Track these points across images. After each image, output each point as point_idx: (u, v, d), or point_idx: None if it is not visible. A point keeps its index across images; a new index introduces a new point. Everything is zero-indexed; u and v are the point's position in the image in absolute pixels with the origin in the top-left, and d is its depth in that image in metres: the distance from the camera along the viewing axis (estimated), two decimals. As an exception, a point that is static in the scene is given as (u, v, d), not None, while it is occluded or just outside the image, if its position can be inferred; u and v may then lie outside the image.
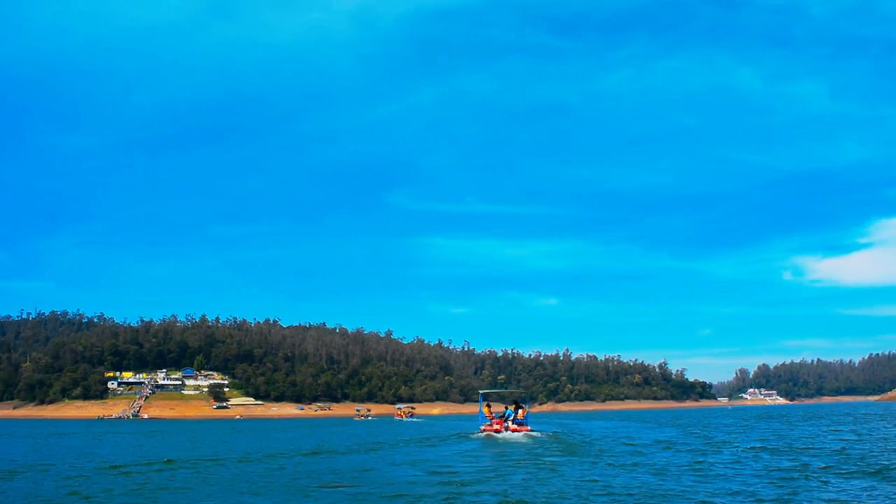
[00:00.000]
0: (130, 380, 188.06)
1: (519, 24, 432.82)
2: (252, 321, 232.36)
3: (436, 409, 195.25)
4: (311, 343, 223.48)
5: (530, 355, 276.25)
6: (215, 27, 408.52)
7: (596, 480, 19.12)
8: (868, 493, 16.35)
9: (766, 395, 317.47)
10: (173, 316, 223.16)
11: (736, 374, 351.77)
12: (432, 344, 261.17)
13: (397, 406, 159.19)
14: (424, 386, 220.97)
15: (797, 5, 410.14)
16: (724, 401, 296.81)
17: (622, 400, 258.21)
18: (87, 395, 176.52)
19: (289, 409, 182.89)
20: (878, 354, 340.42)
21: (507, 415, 46.00)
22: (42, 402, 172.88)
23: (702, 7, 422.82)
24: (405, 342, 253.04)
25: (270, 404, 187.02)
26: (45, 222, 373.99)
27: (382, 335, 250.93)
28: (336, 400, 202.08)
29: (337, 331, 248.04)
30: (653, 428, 55.75)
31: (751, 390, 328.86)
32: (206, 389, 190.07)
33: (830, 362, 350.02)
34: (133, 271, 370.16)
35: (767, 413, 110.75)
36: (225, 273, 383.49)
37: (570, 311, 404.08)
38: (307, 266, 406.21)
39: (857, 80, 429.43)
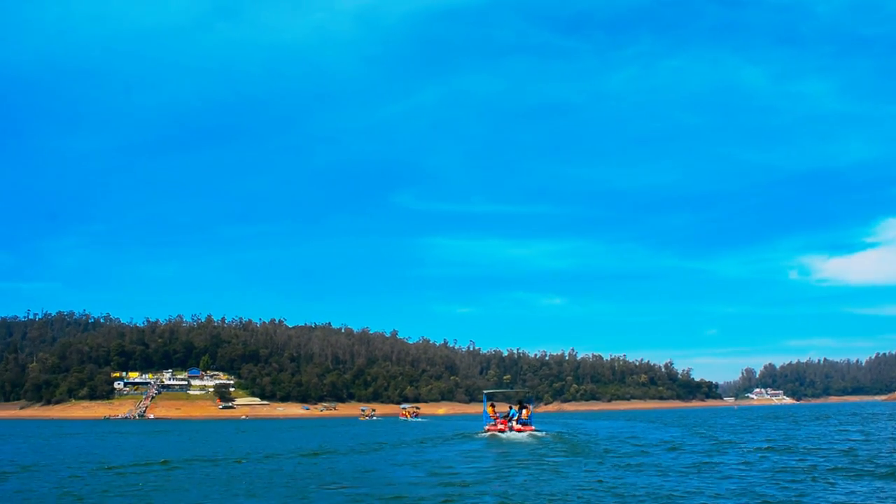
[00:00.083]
0: (136, 380, 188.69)
1: (522, 23, 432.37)
2: (258, 321, 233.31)
3: (441, 409, 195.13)
4: (317, 343, 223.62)
5: (536, 355, 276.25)
6: (219, 28, 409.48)
7: (601, 481, 18.80)
8: (877, 494, 15.98)
9: (772, 395, 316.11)
10: (179, 316, 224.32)
11: (742, 373, 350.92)
12: (437, 344, 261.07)
13: (402, 406, 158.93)
14: (430, 386, 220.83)
15: (803, 4, 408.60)
16: (730, 401, 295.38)
17: (628, 400, 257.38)
18: (93, 396, 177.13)
19: (294, 410, 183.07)
20: (884, 354, 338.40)
21: (511, 414, 45.76)
22: (49, 403, 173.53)
23: (707, 6, 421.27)
24: (410, 342, 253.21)
25: (276, 404, 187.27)
26: (51, 223, 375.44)
27: (388, 335, 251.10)
28: (341, 400, 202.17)
29: (342, 331, 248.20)
30: (658, 428, 55.31)
31: (757, 390, 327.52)
32: (211, 389, 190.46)
33: (837, 362, 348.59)
34: (139, 272, 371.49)
35: (774, 413, 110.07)
36: (230, 273, 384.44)
37: (575, 310, 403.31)
38: (312, 266, 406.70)
39: (863, 79, 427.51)
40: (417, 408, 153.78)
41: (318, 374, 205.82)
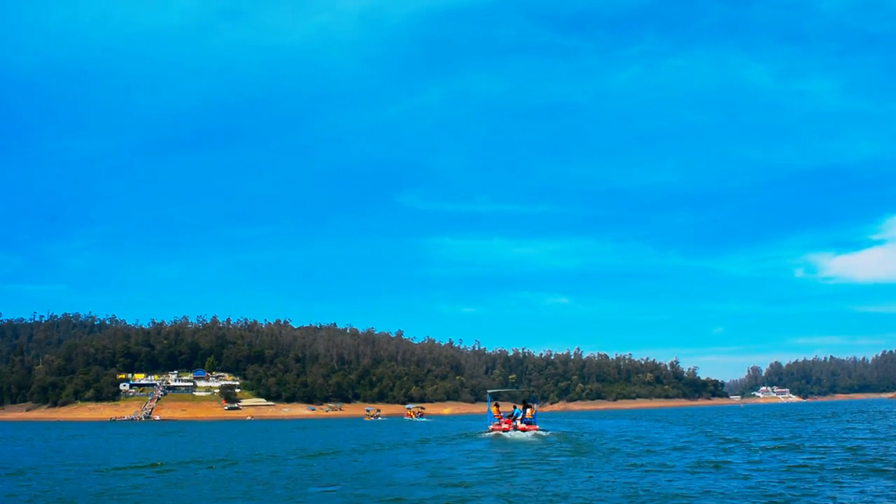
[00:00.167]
0: (142, 381, 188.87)
1: (525, 23, 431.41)
2: (263, 322, 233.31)
3: (446, 408, 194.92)
4: (322, 344, 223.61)
5: (541, 354, 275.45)
6: (222, 30, 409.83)
7: (606, 481, 18.54)
8: (887, 493, 15.68)
9: (778, 393, 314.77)
10: (184, 317, 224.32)
11: (748, 372, 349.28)
12: (443, 344, 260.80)
13: (407, 406, 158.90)
14: (435, 386, 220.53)
15: (807, 1, 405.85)
16: (736, 399, 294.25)
17: (634, 399, 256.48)
18: (99, 397, 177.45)
19: (300, 410, 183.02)
20: (891, 352, 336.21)
21: (515, 414, 45.58)
22: (55, 405, 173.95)
23: (710, 4, 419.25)
24: (416, 342, 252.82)
25: (281, 405, 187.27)
26: (55, 225, 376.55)
27: (393, 335, 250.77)
28: (347, 400, 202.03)
29: (347, 331, 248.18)
30: (664, 427, 54.99)
31: (763, 388, 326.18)
32: (217, 390, 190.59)
33: (843, 360, 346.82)
34: (144, 273, 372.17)
35: (780, 411, 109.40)
36: (235, 274, 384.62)
37: (580, 309, 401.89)
38: (317, 267, 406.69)
39: (868, 76, 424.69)
40: (422, 408, 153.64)
41: (323, 374, 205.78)
